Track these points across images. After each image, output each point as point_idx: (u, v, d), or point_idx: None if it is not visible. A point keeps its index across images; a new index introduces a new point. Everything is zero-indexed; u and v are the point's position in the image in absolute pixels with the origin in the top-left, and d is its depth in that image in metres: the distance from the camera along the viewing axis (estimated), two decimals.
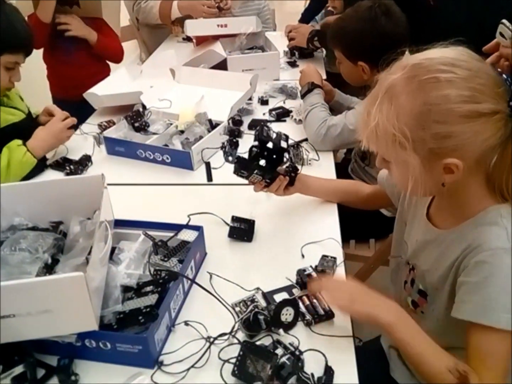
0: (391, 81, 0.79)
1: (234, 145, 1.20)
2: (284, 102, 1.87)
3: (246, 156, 1.14)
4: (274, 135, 1.13)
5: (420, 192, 0.80)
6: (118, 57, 2.33)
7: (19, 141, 1.40)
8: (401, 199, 1.06)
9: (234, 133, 1.57)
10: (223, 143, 1.23)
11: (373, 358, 1.05)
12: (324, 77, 2.10)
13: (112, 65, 2.40)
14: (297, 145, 1.36)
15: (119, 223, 1.10)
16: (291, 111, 1.75)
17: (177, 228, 1.09)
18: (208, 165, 1.48)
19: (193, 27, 2.24)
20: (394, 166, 0.85)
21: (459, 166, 0.76)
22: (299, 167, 1.21)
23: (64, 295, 0.77)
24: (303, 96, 1.68)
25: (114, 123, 1.67)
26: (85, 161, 1.47)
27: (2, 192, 1.00)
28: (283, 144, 1.13)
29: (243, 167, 1.12)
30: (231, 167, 1.48)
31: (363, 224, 1.68)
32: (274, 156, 1.12)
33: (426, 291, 0.93)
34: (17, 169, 1.36)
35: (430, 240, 0.93)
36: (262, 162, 1.11)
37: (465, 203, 0.85)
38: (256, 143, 1.12)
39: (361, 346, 0.94)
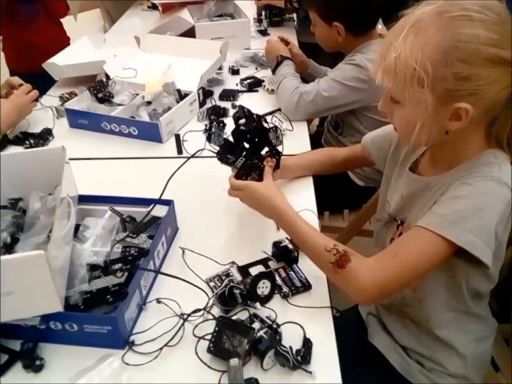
0: (420, 14, 0.76)
1: (221, 126, 1.11)
2: (257, 69, 1.83)
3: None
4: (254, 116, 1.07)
5: (423, 139, 0.79)
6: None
7: None
8: (387, 161, 1.04)
9: (219, 113, 1.47)
10: (207, 125, 1.13)
11: (351, 326, 1.05)
12: (296, 45, 2.04)
13: (73, 34, 2.29)
14: (275, 127, 1.27)
15: (83, 199, 1.04)
16: (263, 81, 1.70)
17: (146, 203, 1.03)
18: (178, 137, 1.42)
19: None
20: (401, 108, 0.82)
21: (469, 112, 0.75)
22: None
23: (24, 275, 0.72)
24: (273, 71, 1.62)
25: (76, 95, 1.58)
26: (46, 135, 1.39)
27: None
28: (265, 125, 1.07)
29: (230, 152, 1.05)
30: (202, 139, 1.44)
31: (337, 195, 1.67)
32: (257, 139, 1.06)
33: None
34: None
35: (418, 190, 0.91)
36: (247, 146, 1.06)
37: (459, 154, 0.83)
38: (242, 122, 1.05)
39: (339, 316, 0.92)
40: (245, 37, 2.02)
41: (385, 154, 1.07)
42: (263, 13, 2.28)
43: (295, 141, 1.36)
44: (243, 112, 1.04)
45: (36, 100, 1.46)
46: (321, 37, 1.59)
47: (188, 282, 0.89)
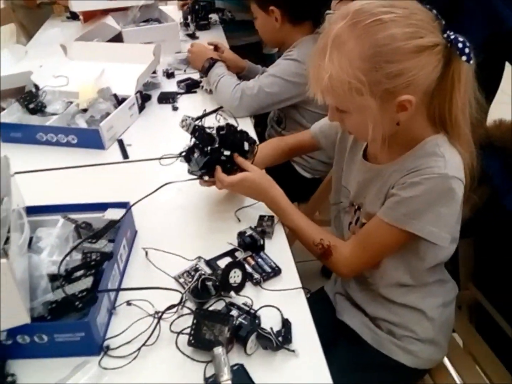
0: (336, 31, 0.79)
1: (204, 153, 1.02)
2: (185, 71, 1.82)
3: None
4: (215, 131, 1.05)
5: (378, 135, 0.83)
6: None
7: None
8: (336, 147, 1.08)
9: (206, 141, 1.05)
10: (187, 151, 1.04)
11: (319, 307, 1.07)
12: (227, 46, 2.06)
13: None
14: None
15: (32, 210, 0.97)
16: (200, 81, 1.69)
17: (100, 207, 0.99)
18: (121, 142, 1.39)
19: (79, 2, 2.06)
20: (350, 116, 0.86)
21: (412, 101, 0.80)
22: None
23: None
24: (206, 73, 1.62)
25: (3, 109, 1.49)
26: None
27: None
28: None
29: (207, 166, 1.02)
30: (146, 142, 1.41)
31: (285, 188, 1.70)
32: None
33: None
34: None
35: (371, 177, 0.96)
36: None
37: (408, 137, 0.88)
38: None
39: (308, 297, 0.94)
40: (174, 40, 2.00)
41: (333, 141, 1.11)
42: (189, 17, 2.28)
43: None
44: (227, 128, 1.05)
45: None
46: (262, 29, 1.61)
47: (153, 288, 0.86)
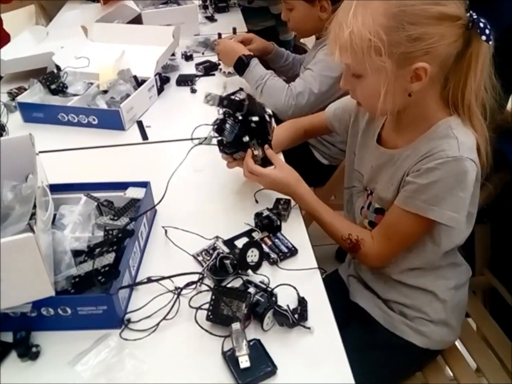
0: None
1: (236, 119, 1.02)
2: (203, 54, 1.82)
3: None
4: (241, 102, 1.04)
5: (388, 106, 0.83)
6: None
7: None
8: (349, 131, 1.08)
9: (237, 106, 1.05)
10: (219, 122, 1.04)
11: (333, 289, 1.09)
12: (245, 30, 2.06)
13: (18, 31, 2.16)
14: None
15: (55, 188, 1.00)
16: (219, 64, 1.69)
17: (121, 186, 1.02)
18: (140, 123, 1.40)
19: None
20: (363, 81, 0.85)
21: (427, 70, 0.80)
22: None
23: (13, 260, 0.69)
24: (240, 72, 1.52)
25: (25, 89, 1.51)
26: (0, 130, 1.32)
27: None
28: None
29: (241, 133, 1.02)
30: (165, 124, 1.43)
31: (302, 173, 1.70)
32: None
33: (383, 207, 0.98)
34: None
35: (384, 162, 0.96)
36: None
37: (420, 118, 0.89)
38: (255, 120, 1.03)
39: (324, 278, 0.95)
40: (193, 23, 2.00)
41: (346, 125, 1.11)
42: None
43: None
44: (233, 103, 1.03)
45: None
46: (300, 21, 1.53)
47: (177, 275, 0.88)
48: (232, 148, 1.05)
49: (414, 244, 0.95)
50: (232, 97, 1.04)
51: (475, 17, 0.80)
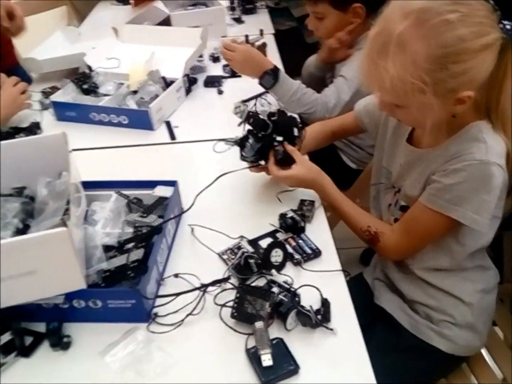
0: (399, 31, 0.77)
1: (258, 139, 1.05)
2: None
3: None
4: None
5: (431, 124, 0.84)
6: None
7: None
8: (380, 128, 1.09)
9: (261, 127, 1.07)
10: (241, 138, 1.06)
11: (357, 292, 1.09)
12: (273, 31, 2.07)
13: (38, 33, 2.22)
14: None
15: (86, 185, 1.03)
16: None
17: (150, 185, 1.04)
18: (168, 123, 1.43)
19: None
20: (406, 110, 0.86)
21: (471, 96, 0.80)
22: None
23: (47, 253, 0.72)
24: (267, 86, 1.41)
25: (58, 89, 1.56)
26: (34, 128, 1.37)
27: None
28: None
29: (260, 152, 1.05)
30: (192, 124, 1.45)
31: (329, 176, 1.69)
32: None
33: (409, 205, 0.98)
34: None
35: (414, 160, 0.97)
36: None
37: (454, 123, 0.89)
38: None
39: (348, 281, 0.96)
40: (221, 24, 2.02)
41: (377, 121, 1.12)
42: (235, 1, 2.29)
43: None
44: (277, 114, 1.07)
45: (23, 92, 1.43)
46: (332, 28, 1.49)
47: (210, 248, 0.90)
48: (252, 160, 1.07)
49: (438, 243, 0.95)
50: (261, 113, 1.07)
51: (508, 27, 0.79)
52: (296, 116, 1.11)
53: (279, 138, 1.04)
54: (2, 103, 1.34)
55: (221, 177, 1.05)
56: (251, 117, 1.05)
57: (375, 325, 1.06)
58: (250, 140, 1.05)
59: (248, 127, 1.07)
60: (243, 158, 1.08)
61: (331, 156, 1.67)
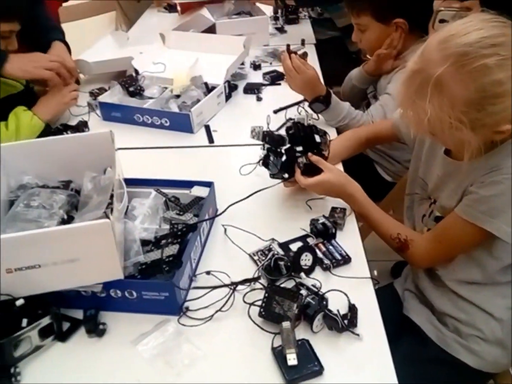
0: (438, 74, 0.79)
1: (278, 155, 1.09)
2: (270, 64, 1.88)
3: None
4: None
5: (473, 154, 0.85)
6: None
7: (24, 107, 1.38)
8: (417, 139, 1.10)
9: (278, 142, 1.12)
10: (263, 157, 1.10)
11: (386, 301, 1.09)
12: (314, 41, 2.10)
13: (87, 37, 2.32)
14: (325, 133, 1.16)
15: (128, 182, 1.08)
16: (285, 74, 1.74)
17: (187, 185, 1.08)
18: (208, 127, 1.48)
19: None
20: (445, 140, 0.89)
21: (510, 128, 0.81)
22: None
23: (90, 242, 0.77)
24: (317, 112, 1.44)
25: (105, 90, 1.63)
26: (82, 127, 1.44)
27: (9, 151, 0.98)
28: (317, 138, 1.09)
29: (285, 166, 1.08)
30: (230, 129, 1.49)
31: (364, 189, 1.68)
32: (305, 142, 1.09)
33: (444, 216, 0.98)
34: (27, 132, 1.33)
35: (451, 172, 0.97)
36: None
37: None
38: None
39: (376, 289, 0.97)
40: (264, 34, 2.07)
41: (414, 133, 1.11)
42: (279, 11, 2.34)
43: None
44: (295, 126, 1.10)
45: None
46: (373, 41, 1.52)
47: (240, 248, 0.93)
48: (280, 176, 1.11)
49: (471, 255, 0.95)
50: (276, 132, 1.11)
51: None
52: (315, 124, 1.12)
53: (299, 149, 1.07)
54: (49, 101, 1.44)
55: (257, 192, 1.08)
56: (266, 136, 1.09)
57: (402, 336, 1.06)
58: (271, 158, 1.09)
59: (268, 146, 1.10)
60: (272, 176, 1.12)
61: (366, 168, 1.68)
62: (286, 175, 1.10)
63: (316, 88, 1.40)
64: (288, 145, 1.09)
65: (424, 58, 0.83)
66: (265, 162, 1.10)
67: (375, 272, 0.94)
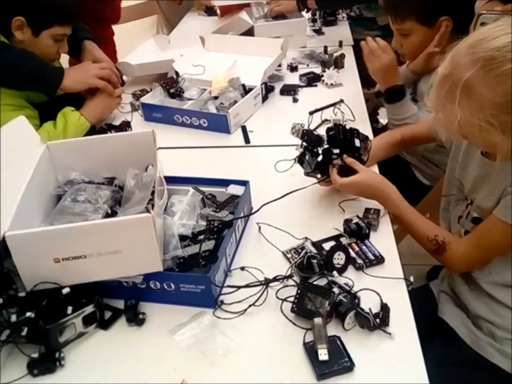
0: (466, 78, 0.81)
1: (315, 155, 1.10)
2: (307, 65, 1.90)
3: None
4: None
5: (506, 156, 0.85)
6: None
7: (72, 108, 1.45)
8: (454, 141, 1.10)
9: (315, 142, 1.13)
10: (299, 155, 1.13)
11: (421, 302, 1.09)
12: (352, 43, 2.10)
13: (129, 40, 2.40)
14: (366, 138, 1.16)
15: (167, 180, 1.12)
16: (322, 76, 1.76)
17: (223, 183, 1.12)
18: (244, 128, 1.51)
19: None
20: (477, 142, 0.89)
21: None
22: None
23: (132, 235, 0.81)
24: (389, 101, 1.43)
25: (147, 92, 1.70)
26: (125, 126, 1.50)
27: (57, 148, 1.04)
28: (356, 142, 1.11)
29: (319, 166, 1.10)
30: (266, 129, 1.52)
31: (401, 192, 1.67)
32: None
33: (482, 217, 0.98)
34: (73, 131, 1.40)
35: (488, 173, 0.97)
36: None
37: None
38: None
39: (410, 290, 0.97)
40: (301, 36, 2.09)
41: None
42: (317, 13, 2.35)
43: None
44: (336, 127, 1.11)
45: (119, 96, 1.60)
46: (417, 45, 1.49)
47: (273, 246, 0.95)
48: (314, 175, 1.12)
49: (507, 258, 0.94)
50: (315, 131, 1.13)
51: None
52: (358, 128, 1.13)
53: (336, 151, 1.08)
54: (95, 103, 1.51)
55: (287, 175, 1.10)
56: (305, 135, 1.11)
57: (436, 338, 1.05)
58: (307, 156, 1.11)
59: (305, 144, 1.12)
60: (306, 174, 1.13)
61: (403, 171, 1.66)
62: (319, 175, 1.11)
63: (390, 76, 1.37)
64: (326, 146, 1.10)
65: (453, 62, 0.84)
66: (300, 159, 1.12)
67: (411, 278, 0.94)
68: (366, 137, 1.13)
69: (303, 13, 2.22)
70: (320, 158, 1.09)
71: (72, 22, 1.45)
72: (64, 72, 1.45)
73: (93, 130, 1.48)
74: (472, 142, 0.94)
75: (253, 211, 1.09)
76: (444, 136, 1.14)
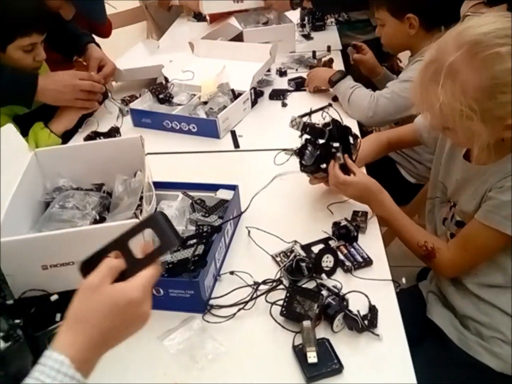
0: (451, 60, 0.81)
1: (316, 146, 1.10)
2: (296, 70, 1.91)
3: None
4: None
5: (483, 149, 0.86)
6: None
7: (41, 124, 1.44)
8: (438, 143, 1.11)
9: (319, 134, 1.11)
10: (299, 147, 1.12)
11: (410, 303, 1.10)
12: (340, 48, 2.12)
13: (130, 43, 2.41)
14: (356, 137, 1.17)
15: (157, 185, 1.13)
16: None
17: (212, 188, 1.12)
18: (233, 133, 1.52)
19: (210, 4, 2.24)
20: (456, 133, 0.89)
21: None
22: None
23: None
24: (333, 84, 1.58)
25: (136, 97, 1.70)
26: (114, 132, 1.50)
27: (45, 155, 1.04)
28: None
29: (320, 159, 1.10)
30: (255, 134, 1.53)
31: (388, 191, 1.69)
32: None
33: (464, 220, 0.99)
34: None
35: (470, 176, 0.98)
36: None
37: (509, 139, 0.89)
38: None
39: (398, 291, 0.98)
40: (290, 40, 2.10)
41: (435, 136, 1.14)
42: (306, 18, 2.37)
43: None
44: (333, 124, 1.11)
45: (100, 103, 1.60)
46: (390, 36, 1.55)
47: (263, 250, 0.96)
48: (312, 169, 1.12)
49: (492, 260, 0.95)
50: (317, 124, 1.11)
51: None
52: (350, 126, 1.14)
53: (336, 145, 1.08)
54: (61, 111, 1.50)
55: (276, 178, 1.12)
56: (307, 127, 1.10)
57: (425, 339, 1.06)
58: (309, 148, 1.10)
59: (305, 137, 1.12)
60: (302, 169, 1.13)
61: (389, 170, 1.68)
62: (323, 165, 1.09)
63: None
64: (323, 141, 1.10)
65: (439, 47, 0.85)
66: (301, 152, 1.12)
67: (404, 280, 0.94)
68: (357, 136, 1.15)
69: (292, 18, 2.23)
70: (320, 151, 1.09)
71: (38, 30, 1.36)
72: (39, 82, 1.39)
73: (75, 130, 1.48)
74: (451, 136, 0.93)
75: (243, 211, 1.10)
76: (428, 128, 1.15)
